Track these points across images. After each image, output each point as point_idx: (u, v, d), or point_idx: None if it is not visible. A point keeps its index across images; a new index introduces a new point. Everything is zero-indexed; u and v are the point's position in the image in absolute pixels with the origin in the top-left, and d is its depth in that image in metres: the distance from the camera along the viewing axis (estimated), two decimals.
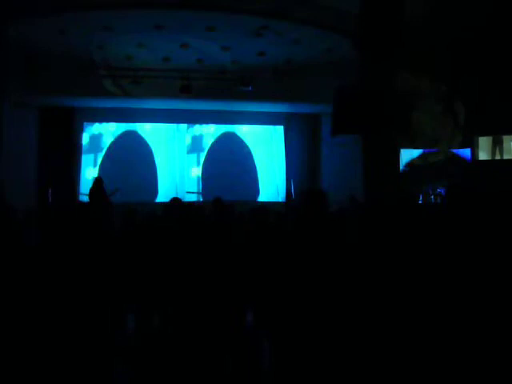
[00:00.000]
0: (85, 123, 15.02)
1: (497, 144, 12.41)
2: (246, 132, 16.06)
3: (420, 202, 12.22)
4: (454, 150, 12.86)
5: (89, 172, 14.68)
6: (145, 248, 5.50)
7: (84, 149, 15.02)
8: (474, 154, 12.49)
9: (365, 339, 3.56)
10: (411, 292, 3.70)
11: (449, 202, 4.12)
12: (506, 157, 12.26)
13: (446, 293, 3.60)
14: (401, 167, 12.83)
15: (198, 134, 15.82)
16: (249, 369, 4.67)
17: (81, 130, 14.95)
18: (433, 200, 12.20)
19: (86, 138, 15.07)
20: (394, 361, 3.56)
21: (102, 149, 15.24)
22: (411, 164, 12.97)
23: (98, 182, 12.15)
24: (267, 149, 16.22)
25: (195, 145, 15.78)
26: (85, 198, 13.36)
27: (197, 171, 15.72)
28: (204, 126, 15.78)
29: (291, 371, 3.58)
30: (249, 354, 4.72)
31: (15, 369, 4.05)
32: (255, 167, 16.06)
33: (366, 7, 9.15)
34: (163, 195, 15.04)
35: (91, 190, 12.12)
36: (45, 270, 4.33)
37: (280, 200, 15.71)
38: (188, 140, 15.74)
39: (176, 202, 5.51)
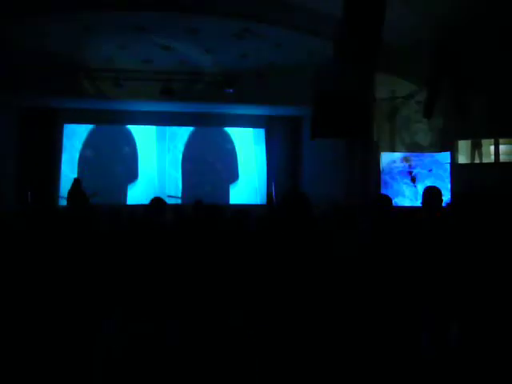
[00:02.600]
0: (65, 125, 14.90)
1: (476, 148, 12.55)
2: (227, 134, 16.07)
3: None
4: (434, 154, 12.99)
5: (69, 174, 14.53)
6: (128, 249, 5.46)
7: (64, 150, 14.90)
8: (454, 157, 12.61)
9: (353, 341, 3.57)
10: (398, 301, 3.72)
11: (425, 205, 4.17)
12: (484, 160, 12.40)
13: (433, 295, 3.63)
14: (381, 170, 12.93)
15: (178, 136, 15.79)
16: (238, 370, 4.65)
17: (61, 132, 14.83)
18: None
19: (66, 140, 14.96)
20: (386, 364, 3.58)
21: (82, 150, 15.14)
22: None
23: (76, 183, 12.09)
24: (248, 151, 16.24)
25: (176, 147, 15.75)
26: (64, 200, 13.22)
27: (177, 174, 15.69)
28: (185, 128, 15.75)
29: (281, 373, 3.58)
30: (238, 356, 4.70)
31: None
32: (237, 170, 16.08)
33: (347, 10, 9.20)
34: (144, 197, 14.96)
35: (70, 192, 12.06)
36: (28, 270, 4.30)
37: (260, 203, 15.75)
38: (168, 142, 15.70)
39: (158, 202, 5.48)
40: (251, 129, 16.17)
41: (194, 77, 13.46)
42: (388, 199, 4.92)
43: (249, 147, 16.25)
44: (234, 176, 16.08)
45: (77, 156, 15.10)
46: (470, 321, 3.55)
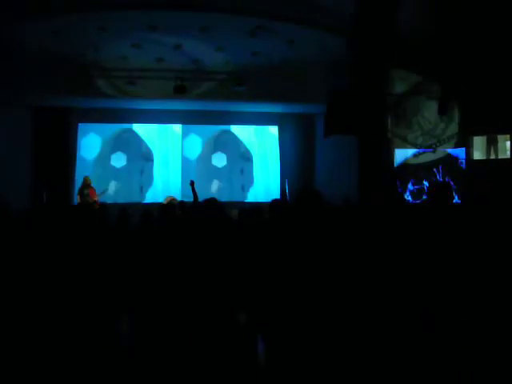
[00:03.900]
0: (79, 124, 14.98)
1: (491, 143, 12.43)
2: (240, 132, 16.06)
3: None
4: (449, 150, 12.88)
5: (83, 173, 14.56)
6: (140, 248, 5.48)
7: (78, 149, 14.99)
8: (469, 153, 12.51)
9: (361, 339, 3.55)
10: (410, 293, 3.70)
11: (432, 201, 4.09)
12: (500, 156, 12.28)
13: (441, 292, 3.60)
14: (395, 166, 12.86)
15: (192, 134, 15.81)
16: (244, 369, 4.65)
17: (75, 131, 14.90)
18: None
19: (80, 139, 15.03)
20: (390, 362, 3.56)
21: (96, 149, 15.22)
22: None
23: (85, 181, 12.25)
24: (261, 149, 16.23)
25: (189, 145, 15.78)
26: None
27: (192, 172, 15.70)
28: (198, 126, 15.77)
29: (286, 371, 3.57)
30: (243, 354, 4.70)
31: (9, 368, 4.03)
32: (251, 168, 16.08)
33: (360, 8, 9.16)
34: (158, 196, 15.02)
35: (80, 190, 12.24)
36: (40, 268, 4.32)
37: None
38: (182, 140, 15.74)
39: (171, 200, 5.50)
40: (264, 126, 16.15)
41: (206, 75, 13.47)
42: (401, 196, 4.89)
43: (262, 145, 16.24)
44: (248, 174, 16.08)
45: (91, 155, 15.18)
46: (480, 320, 3.52)
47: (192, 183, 7.45)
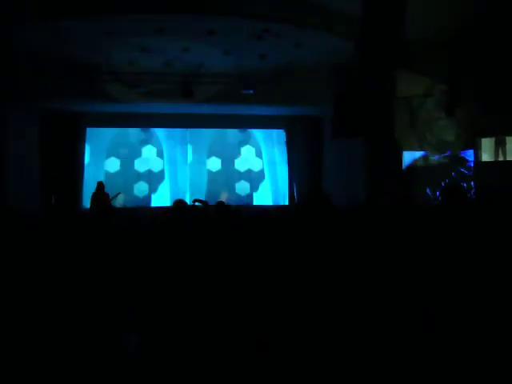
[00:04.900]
0: (87, 128, 15.03)
1: (499, 145, 12.37)
2: (248, 136, 16.09)
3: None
4: (457, 152, 12.84)
5: (92, 176, 14.63)
6: (148, 251, 5.50)
7: (87, 153, 15.05)
8: (477, 155, 12.46)
9: (366, 342, 3.55)
10: (416, 294, 3.70)
11: (444, 203, 4.09)
12: (508, 158, 12.23)
13: (446, 294, 3.60)
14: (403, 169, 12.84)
15: (200, 138, 15.84)
16: (248, 371, 4.65)
17: (84, 135, 14.97)
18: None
19: (88, 143, 15.09)
20: (390, 362, 3.56)
21: (104, 153, 15.29)
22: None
23: (99, 186, 12.34)
24: (270, 152, 16.24)
25: (197, 149, 15.81)
26: (87, 202, 13.43)
27: (201, 176, 15.74)
28: (207, 130, 15.79)
29: (291, 373, 3.58)
30: (248, 356, 4.69)
31: (13, 367, 4.06)
32: (261, 171, 16.10)
33: (367, 10, 9.15)
34: (168, 200, 15.06)
35: (94, 194, 12.33)
36: (47, 270, 4.35)
37: (283, 204, 15.72)
38: (190, 145, 15.77)
39: (180, 203, 5.52)
40: (272, 130, 16.16)
41: (213, 78, 13.50)
42: (408, 198, 4.89)
43: (270, 148, 16.25)
44: (256, 177, 16.10)
45: (99, 159, 15.24)
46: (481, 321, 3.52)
47: (195, 201, 7.53)
